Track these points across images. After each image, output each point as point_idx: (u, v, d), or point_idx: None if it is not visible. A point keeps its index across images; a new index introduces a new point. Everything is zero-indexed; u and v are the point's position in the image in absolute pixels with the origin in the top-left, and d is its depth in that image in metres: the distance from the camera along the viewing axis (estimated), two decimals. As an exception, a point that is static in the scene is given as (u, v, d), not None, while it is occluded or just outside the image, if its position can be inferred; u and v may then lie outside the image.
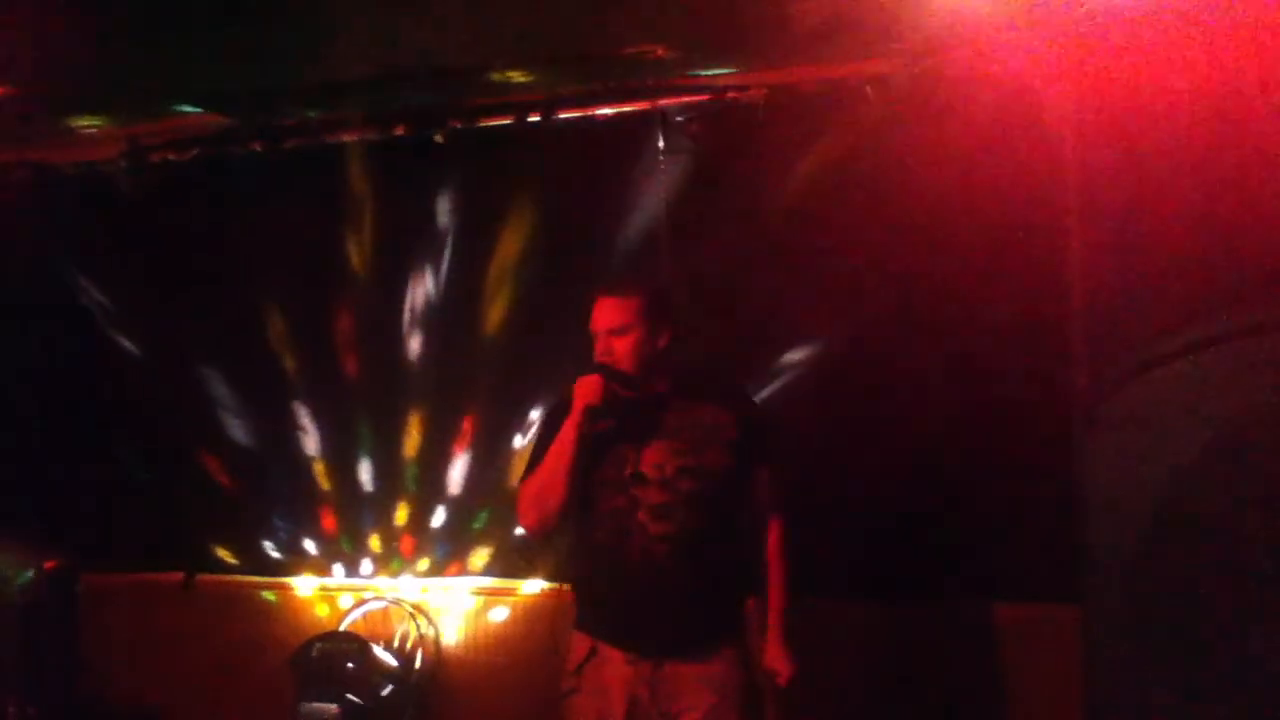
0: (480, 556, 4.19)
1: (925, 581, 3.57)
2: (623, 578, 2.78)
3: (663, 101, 3.84)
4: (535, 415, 4.08)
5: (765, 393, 3.72)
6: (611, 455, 2.80)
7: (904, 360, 3.60)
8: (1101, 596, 3.05)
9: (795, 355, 3.78)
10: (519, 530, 4.03)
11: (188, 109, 4.23)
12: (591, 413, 2.73)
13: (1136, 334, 2.84)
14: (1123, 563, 2.87)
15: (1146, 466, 2.75)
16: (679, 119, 3.84)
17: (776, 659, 2.79)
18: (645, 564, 2.74)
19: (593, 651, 2.81)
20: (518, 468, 4.07)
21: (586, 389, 2.73)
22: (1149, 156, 2.77)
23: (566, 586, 3.92)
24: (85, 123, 4.33)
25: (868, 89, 3.60)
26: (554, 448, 2.78)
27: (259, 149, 4.28)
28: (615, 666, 2.77)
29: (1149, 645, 2.69)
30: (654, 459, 2.78)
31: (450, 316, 4.22)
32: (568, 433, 2.75)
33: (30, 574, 4.34)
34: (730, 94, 3.77)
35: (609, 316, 2.81)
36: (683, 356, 2.88)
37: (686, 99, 3.82)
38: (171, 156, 4.39)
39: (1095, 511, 3.10)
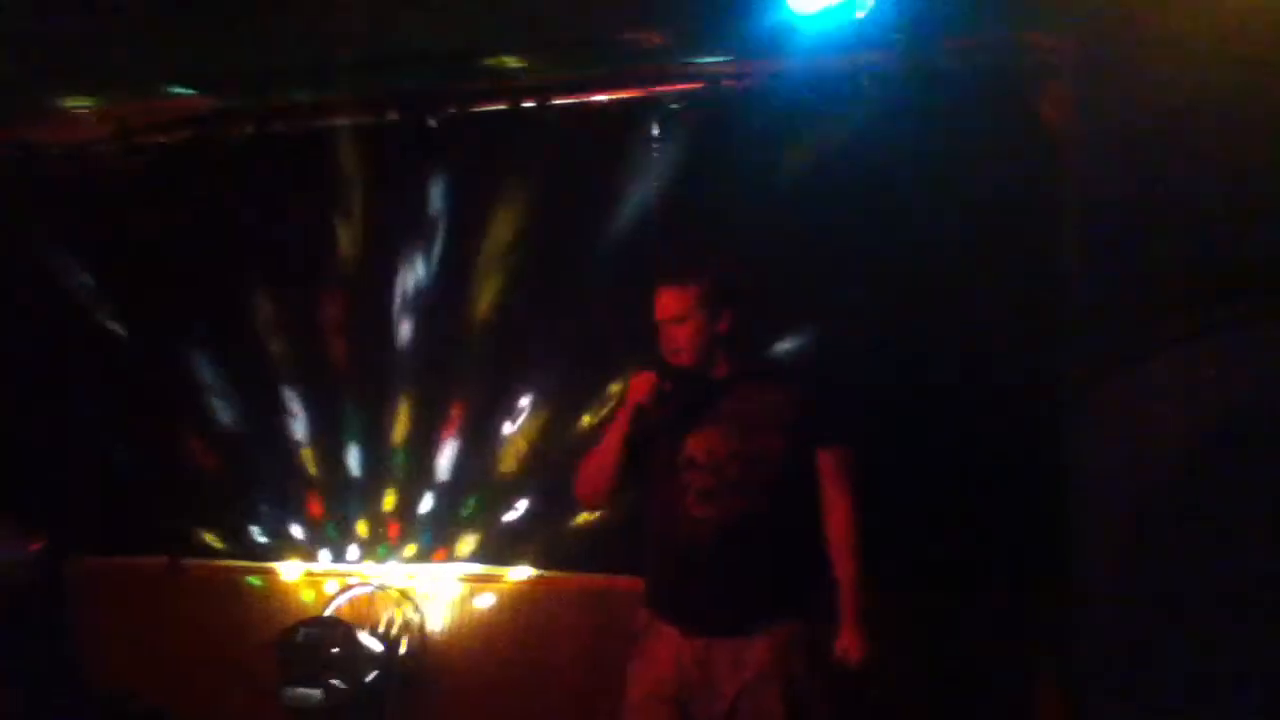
0: (467, 543, 4.18)
1: (911, 569, 3.55)
2: (673, 558, 2.86)
3: (658, 89, 3.83)
4: (525, 402, 4.07)
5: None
6: (666, 439, 2.88)
7: (895, 350, 3.59)
8: (1090, 584, 3.06)
9: (783, 344, 3.77)
10: (507, 517, 4.10)
11: (178, 90, 4.20)
12: (640, 411, 2.83)
13: (1128, 324, 2.86)
14: (1112, 550, 2.88)
15: (1137, 455, 2.77)
16: (674, 106, 3.83)
17: (847, 641, 2.79)
18: (692, 546, 2.81)
19: (650, 625, 2.89)
20: (506, 454, 4.11)
21: (638, 387, 2.84)
22: (1144, 149, 2.78)
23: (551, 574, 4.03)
24: (75, 103, 4.30)
25: (864, 79, 3.59)
26: (608, 433, 2.92)
27: (250, 131, 4.26)
28: (668, 641, 2.84)
29: (1138, 632, 2.71)
30: (706, 444, 2.84)
31: (441, 302, 4.20)
32: (619, 424, 2.88)
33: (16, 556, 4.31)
34: (725, 82, 3.76)
35: (667, 306, 2.87)
36: (748, 339, 2.91)
37: (681, 86, 3.81)
38: (162, 138, 4.38)
39: (1085, 500, 3.12)
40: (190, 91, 4.22)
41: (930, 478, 3.53)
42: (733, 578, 2.79)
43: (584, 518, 3.93)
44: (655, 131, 3.85)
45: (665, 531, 2.87)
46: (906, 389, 3.53)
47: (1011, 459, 3.46)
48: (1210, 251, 2.57)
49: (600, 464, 2.92)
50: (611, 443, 2.89)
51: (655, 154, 3.85)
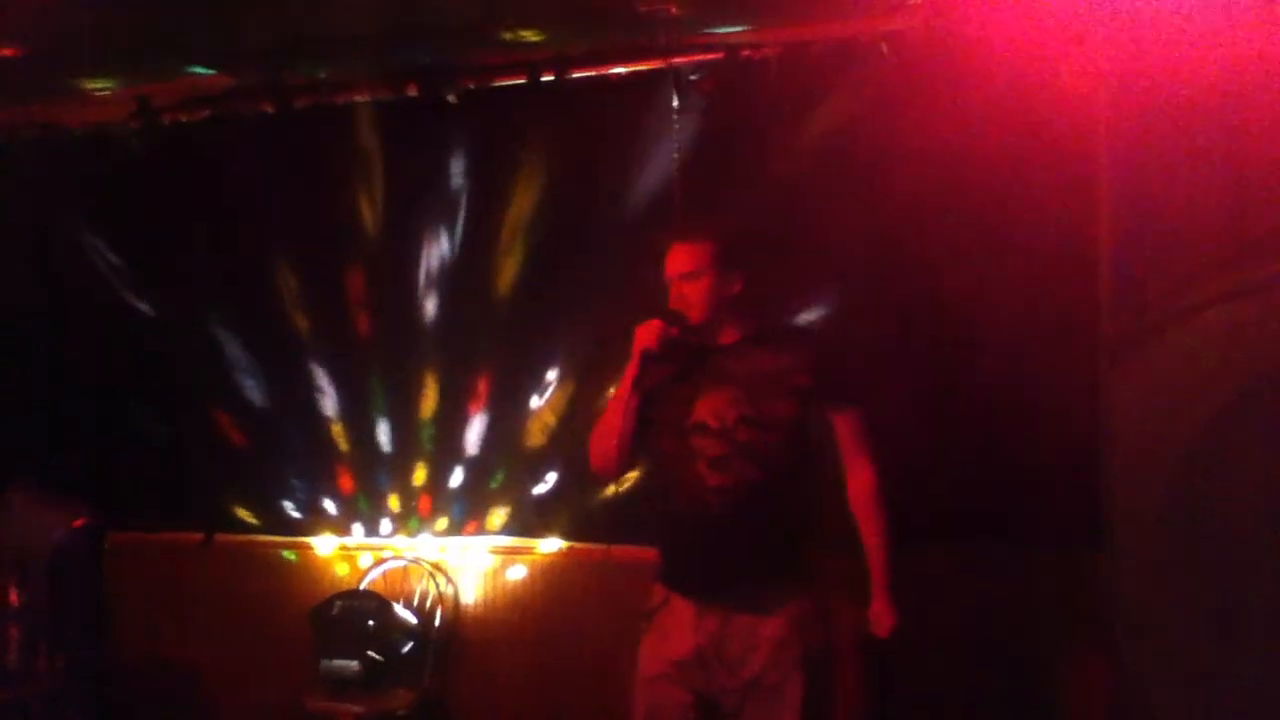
0: (498, 515, 4.23)
1: (950, 528, 3.56)
2: (683, 529, 2.79)
3: (676, 60, 3.80)
4: (551, 375, 4.10)
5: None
6: (674, 403, 2.81)
7: (929, 312, 3.58)
8: (1128, 544, 3.06)
9: (808, 312, 3.76)
10: (536, 489, 4.13)
11: (198, 69, 4.20)
12: (648, 357, 2.75)
13: (1168, 283, 2.83)
14: (1150, 512, 2.87)
15: (1176, 415, 2.75)
16: (692, 77, 3.81)
17: (880, 612, 2.79)
18: (702, 516, 2.73)
19: (665, 600, 2.83)
20: (535, 427, 4.14)
21: (645, 334, 2.76)
22: (1177, 105, 2.74)
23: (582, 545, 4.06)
24: (95, 84, 4.31)
25: (883, 47, 3.56)
26: (616, 391, 2.83)
27: (270, 109, 4.26)
28: (683, 615, 2.78)
29: (1174, 591, 2.70)
30: (714, 407, 2.76)
31: (464, 275, 4.21)
32: (626, 377, 2.79)
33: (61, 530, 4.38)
34: (744, 52, 3.72)
35: (682, 261, 2.80)
36: (756, 304, 2.86)
37: (699, 57, 3.78)
38: (182, 117, 4.38)
39: (1124, 460, 3.10)
40: (209, 70, 4.22)
41: (969, 438, 3.54)
42: (748, 547, 2.73)
43: (613, 489, 3.94)
44: (674, 102, 3.83)
45: (679, 501, 2.78)
46: (946, 348, 3.53)
47: (1050, 419, 3.42)
48: (1249, 210, 2.53)
49: (610, 425, 2.82)
50: (620, 399, 2.80)
51: (674, 124, 3.83)
